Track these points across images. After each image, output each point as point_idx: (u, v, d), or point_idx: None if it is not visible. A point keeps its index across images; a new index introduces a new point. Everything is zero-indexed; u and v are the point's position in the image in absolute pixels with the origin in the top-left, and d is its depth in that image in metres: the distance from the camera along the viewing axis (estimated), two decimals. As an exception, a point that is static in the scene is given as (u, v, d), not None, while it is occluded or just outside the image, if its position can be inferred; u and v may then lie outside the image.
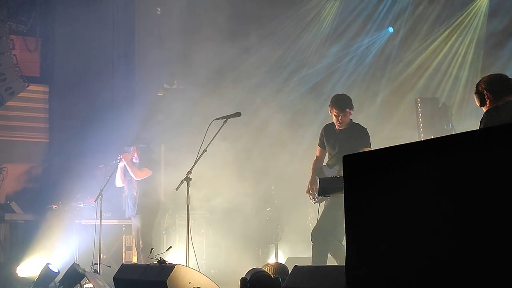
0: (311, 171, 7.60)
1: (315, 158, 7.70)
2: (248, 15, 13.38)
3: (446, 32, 14.75)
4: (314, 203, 7.47)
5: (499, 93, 5.39)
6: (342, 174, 6.86)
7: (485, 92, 5.45)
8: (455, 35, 14.77)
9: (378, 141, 12.52)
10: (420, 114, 12.03)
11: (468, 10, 14.60)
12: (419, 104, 12.11)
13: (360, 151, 7.02)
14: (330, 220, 7.14)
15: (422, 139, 11.33)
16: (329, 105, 7.40)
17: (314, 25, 14.84)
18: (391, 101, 14.69)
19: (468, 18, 14.64)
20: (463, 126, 11.62)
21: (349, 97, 7.43)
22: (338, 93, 7.56)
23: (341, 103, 7.32)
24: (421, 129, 11.93)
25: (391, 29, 14.94)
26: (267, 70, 13.87)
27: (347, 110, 7.29)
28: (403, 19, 14.72)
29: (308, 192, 7.47)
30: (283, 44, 14.43)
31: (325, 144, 7.58)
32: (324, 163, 7.66)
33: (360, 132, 7.33)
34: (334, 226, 7.10)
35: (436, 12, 14.49)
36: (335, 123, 7.41)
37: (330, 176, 7.09)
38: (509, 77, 5.54)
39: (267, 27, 14.01)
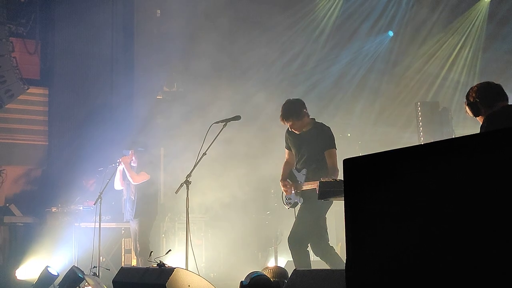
0: (281, 174, 7.52)
1: (285, 161, 7.60)
2: (248, 18, 13.39)
3: (446, 36, 14.80)
4: (288, 208, 7.43)
5: (491, 99, 5.39)
6: (309, 177, 6.94)
7: (477, 101, 5.43)
8: (455, 39, 14.81)
9: (378, 145, 12.60)
10: (420, 118, 12.05)
11: (468, 15, 14.64)
12: (419, 108, 12.14)
13: (326, 153, 7.06)
14: (304, 225, 7.10)
15: (422, 143, 11.34)
16: None
17: (313, 29, 14.86)
18: (391, 105, 14.72)
19: (468, 23, 14.68)
20: (463, 130, 11.64)
21: (295, 102, 7.27)
22: (288, 99, 7.38)
23: (284, 113, 7.21)
24: (421, 133, 11.95)
25: (391, 33, 14.97)
26: (267, 73, 13.89)
27: (293, 118, 7.17)
28: (403, 23, 14.75)
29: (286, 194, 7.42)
30: (284, 48, 14.46)
31: (291, 147, 7.50)
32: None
33: (323, 133, 7.19)
34: (311, 230, 7.08)
35: (436, 16, 14.52)
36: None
37: (301, 181, 7.14)
38: (497, 83, 5.54)
39: (268, 30, 14.03)
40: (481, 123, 5.45)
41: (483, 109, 5.42)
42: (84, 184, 11.88)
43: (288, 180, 7.36)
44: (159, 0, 13.96)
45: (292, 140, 7.45)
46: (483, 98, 5.42)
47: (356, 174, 2.44)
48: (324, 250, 7.09)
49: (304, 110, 7.24)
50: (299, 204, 7.24)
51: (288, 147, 7.58)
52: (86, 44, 13.18)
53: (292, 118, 7.17)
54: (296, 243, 7.09)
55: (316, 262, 7.55)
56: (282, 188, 7.41)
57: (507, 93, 5.51)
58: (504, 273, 1.81)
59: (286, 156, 7.63)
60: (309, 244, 7.15)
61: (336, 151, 7.13)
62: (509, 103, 5.44)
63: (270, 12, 13.82)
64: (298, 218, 7.24)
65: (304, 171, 7.20)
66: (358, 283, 2.33)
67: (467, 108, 5.58)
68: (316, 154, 7.11)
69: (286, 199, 7.38)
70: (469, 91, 5.60)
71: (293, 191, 7.24)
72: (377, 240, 2.27)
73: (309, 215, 7.08)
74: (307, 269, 6.57)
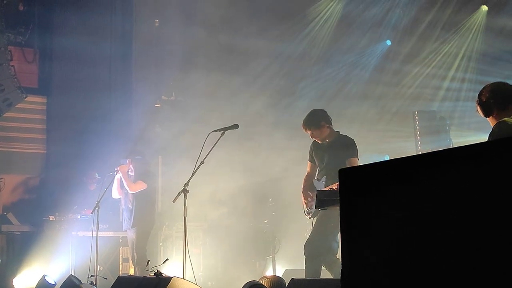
0: (302, 186, 7.64)
1: (306, 173, 7.74)
2: (246, 27, 13.41)
3: (444, 46, 14.83)
4: (309, 218, 7.48)
5: (505, 100, 5.26)
6: (329, 185, 6.98)
7: (491, 101, 5.29)
8: (453, 48, 14.85)
9: (375, 154, 12.60)
10: (417, 127, 12.07)
11: (467, 24, 14.68)
12: (416, 117, 12.16)
13: (347, 162, 7.11)
14: (322, 233, 7.14)
15: (420, 152, 11.36)
16: None
17: (312, 37, 14.89)
18: (388, 114, 14.73)
19: (466, 32, 14.72)
20: (460, 140, 11.66)
21: (316, 113, 7.56)
22: (314, 109, 7.68)
23: (306, 122, 7.48)
24: (419, 142, 11.97)
25: (389, 42, 15.00)
26: (266, 83, 13.90)
27: (312, 128, 7.43)
28: (401, 32, 14.78)
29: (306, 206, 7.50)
30: (282, 56, 14.48)
31: (314, 158, 7.64)
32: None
33: (347, 144, 7.36)
34: (326, 239, 7.11)
35: (434, 25, 14.57)
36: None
37: (319, 189, 7.16)
38: (511, 84, 5.41)
39: (265, 40, 14.04)
40: (491, 124, 5.29)
41: (495, 109, 5.27)
42: (85, 181, 11.86)
43: (309, 192, 7.44)
44: (158, 10, 13.98)
45: (316, 150, 7.62)
46: (496, 98, 5.28)
47: (351, 184, 2.45)
48: (331, 261, 7.11)
49: (325, 120, 7.47)
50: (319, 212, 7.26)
51: (311, 159, 7.74)
52: (85, 53, 13.19)
53: (312, 127, 7.44)
54: (312, 249, 7.13)
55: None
56: (303, 200, 7.48)
57: None
58: (508, 280, 1.82)
59: (308, 169, 7.78)
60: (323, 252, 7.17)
61: (357, 160, 7.21)
62: None
63: (268, 21, 13.84)
64: (316, 225, 7.30)
65: (324, 178, 7.31)
66: (353, 293, 2.33)
67: (478, 107, 5.42)
68: (338, 163, 7.15)
69: (307, 209, 7.44)
70: (482, 90, 5.44)
71: (313, 202, 7.27)
72: (372, 250, 2.28)
73: (328, 223, 7.08)
74: (304, 278, 6.57)
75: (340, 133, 7.56)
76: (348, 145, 7.33)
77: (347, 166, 7.06)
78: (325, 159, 7.46)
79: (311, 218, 7.45)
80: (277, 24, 14.22)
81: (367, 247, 2.30)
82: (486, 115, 5.37)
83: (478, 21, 14.59)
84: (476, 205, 1.93)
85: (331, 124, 7.52)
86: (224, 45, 13.43)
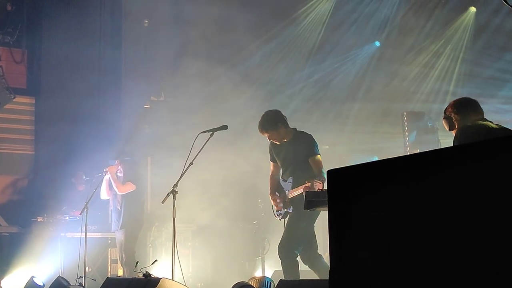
0: (269, 188, 7.62)
1: (270, 174, 7.70)
2: (237, 27, 13.40)
3: (433, 47, 14.90)
4: (280, 219, 7.48)
5: (466, 115, 5.56)
6: (295, 185, 7.00)
7: (452, 115, 5.61)
8: (442, 50, 14.92)
9: (364, 154, 12.63)
10: (406, 128, 12.11)
11: (455, 25, 14.75)
12: (405, 118, 12.20)
13: (310, 160, 7.10)
14: (295, 234, 7.14)
15: (408, 153, 11.40)
16: None
17: (302, 39, 14.91)
18: (377, 115, 14.78)
19: (455, 33, 14.79)
20: (448, 140, 11.70)
21: (270, 114, 7.42)
22: (267, 111, 7.53)
23: (263, 125, 7.37)
24: (407, 143, 12.00)
25: (377, 43, 15.05)
26: (256, 83, 13.90)
27: (270, 130, 7.32)
28: (390, 33, 14.83)
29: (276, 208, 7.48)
30: (272, 57, 14.49)
31: (275, 158, 7.58)
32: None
33: (306, 141, 7.28)
34: (301, 238, 7.12)
35: (423, 26, 14.63)
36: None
37: (287, 190, 7.20)
38: (474, 99, 5.71)
39: (256, 40, 14.05)
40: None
41: (457, 123, 5.59)
42: (73, 182, 11.81)
43: (276, 193, 7.42)
44: (147, 10, 13.94)
45: (276, 152, 7.54)
46: (458, 112, 5.60)
47: (340, 185, 2.45)
48: (313, 259, 7.12)
49: (280, 121, 7.34)
50: (290, 212, 7.27)
51: (272, 159, 7.67)
52: (73, 54, 13.12)
53: (268, 130, 7.32)
54: (286, 251, 7.11)
55: (304, 271, 7.55)
56: (272, 202, 7.46)
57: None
58: (492, 280, 1.82)
59: (272, 168, 7.72)
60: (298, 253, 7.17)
61: (320, 156, 7.17)
62: (483, 119, 5.58)
63: (258, 21, 13.85)
64: (288, 226, 7.27)
65: (290, 179, 7.26)
66: (341, 293, 2.33)
67: (443, 121, 5.80)
68: (300, 162, 7.16)
69: (277, 211, 7.43)
70: (447, 106, 5.81)
71: (282, 203, 7.29)
72: (361, 250, 2.28)
73: (299, 223, 7.10)
74: (295, 278, 6.58)
75: (297, 129, 7.48)
76: (308, 143, 7.25)
77: (311, 165, 7.11)
78: (287, 159, 7.40)
79: (281, 220, 7.46)
80: (268, 23, 14.23)
81: (356, 248, 2.31)
82: (450, 128, 5.75)
83: (466, 22, 14.66)
84: (465, 205, 1.93)
85: (287, 123, 7.41)
86: (214, 45, 13.41)
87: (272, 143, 7.55)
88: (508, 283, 1.77)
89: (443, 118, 5.77)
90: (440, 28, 14.79)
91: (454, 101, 5.79)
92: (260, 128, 7.37)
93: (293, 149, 7.30)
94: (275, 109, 7.54)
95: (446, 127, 5.75)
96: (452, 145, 5.37)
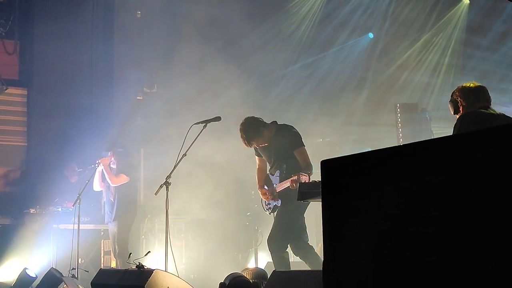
0: (257, 183, 7.61)
1: (257, 167, 7.70)
2: (229, 19, 13.37)
3: (427, 38, 14.90)
4: (269, 213, 7.49)
5: (472, 100, 5.51)
6: (282, 178, 7.00)
7: (459, 99, 5.56)
8: (435, 41, 14.93)
9: (358, 145, 12.65)
10: (399, 119, 12.13)
11: (449, 16, 14.75)
12: (398, 109, 12.22)
13: (295, 153, 7.08)
14: (284, 226, 7.15)
15: (402, 144, 11.41)
16: None
17: (295, 30, 14.88)
18: (370, 106, 14.79)
19: (448, 24, 14.79)
20: (442, 130, 11.73)
21: (250, 123, 7.26)
22: (245, 118, 7.34)
23: (248, 136, 7.23)
24: (400, 134, 12.02)
25: (371, 35, 15.03)
26: (249, 75, 13.87)
27: (256, 138, 7.22)
28: (384, 24, 14.81)
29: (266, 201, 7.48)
30: (266, 48, 14.45)
31: (261, 154, 7.55)
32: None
33: (289, 134, 7.23)
34: (290, 230, 7.13)
35: (416, 17, 14.62)
36: None
37: (275, 184, 7.21)
38: (483, 86, 5.67)
39: (249, 31, 14.02)
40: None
41: (462, 107, 5.54)
42: (65, 174, 11.79)
43: (265, 187, 7.42)
44: (139, 1, 13.89)
45: (261, 149, 7.50)
46: (465, 97, 5.55)
47: (333, 175, 2.45)
48: (304, 250, 7.13)
49: (261, 125, 7.26)
50: (278, 206, 7.28)
51: (258, 154, 7.64)
52: (66, 45, 13.07)
53: (254, 139, 7.24)
54: (276, 244, 7.12)
55: (296, 263, 7.57)
56: (262, 197, 7.47)
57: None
58: (482, 272, 1.82)
59: (258, 162, 7.71)
60: (288, 245, 7.19)
61: (305, 148, 7.16)
62: (487, 107, 5.54)
63: (250, 14, 13.81)
64: (277, 219, 7.29)
65: (277, 173, 7.27)
66: (335, 284, 2.33)
67: (449, 105, 5.78)
68: (286, 155, 7.16)
69: (266, 205, 7.44)
70: (455, 89, 5.77)
71: (271, 196, 7.30)
72: (354, 241, 2.28)
73: (287, 215, 7.12)
74: (286, 270, 6.59)
75: (278, 123, 7.43)
76: (291, 135, 7.22)
77: (297, 157, 7.09)
78: (272, 155, 7.38)
79: (271, 214, 7.46)
80: (262, 16, 14.21)
81: (349, 239, 2.31)
82: (454, 112, 5.75)
83: (459, 14, 14.66)
84: (457, 197, 1.93)
85: (265, 123, 7.33)
86: (207, 36, 13.37)
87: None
88: (501, 276, 1.77)
89: (450, 101, 5.76)
90: (434, 20, 14.78)
91: (462, 85, 5.75)
92: (246, 141, 7.24)
93: (277, 143, 7.27)
94: (248, 116, 7.38)
95: (451, 110, 5.75)
96: (447, 134, 5.37)
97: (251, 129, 7.22)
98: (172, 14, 13.46)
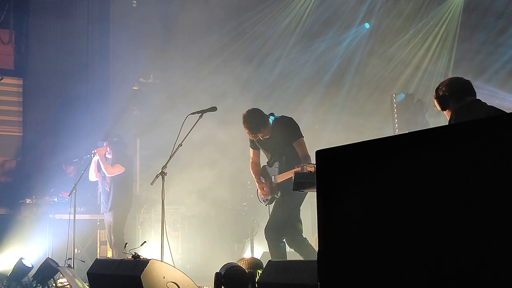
0: (253, 175, 7.61)
1: (251, 161, 7.66)
2: (226, 8, 13.34)
3: (422, 27, 14.89)
4: (266, 205, 7.50)
5: (460, 94, 5.47)
6: (282, 169, 7.00)
7: (447, 95, 5.50)
8: (430, 30, 14.92)
9: (353, 136, 12.66)
10: (395, 109, 12.14)
11: (445, 5, 14.73)
12: (394, 100, 12.22)
13: (294, 144, 7.07)
14: (281, 217, 7.17)
15: (397, 134, 11.42)
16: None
17: (290, 21, 14.84)
18: (366, 97, 14.80)
19: (444, 13, 14.78)
20: (437, 120, 11.74)
21: (257, 114, 7.23)
22: (248, 110, 7.28)
23: (257, 126, 7.19)
24: (396, 124, 12.03)
25: (367, 25, 15.01)
26: (245, 65, 13.85)
27: (262, 129, 7.18)
28: (379, 14, 14.79)
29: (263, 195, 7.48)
30: (260, 40, 14.42)
31: (259, 146, 7.51)
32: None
33: (286, 125, 7.22)
34: (287, 221, 7.15)
35: (412, 6, 14.60)
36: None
37: (273, 175, 7.24)
38: (467, 79, 5.63)
39: (245, 21, 13.99)
40: (448, 117, 5.52)
41: (451, 103, 5.49)
42: (64, 169, 11.77)
43: (262, 179, 7.43)
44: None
45: (259, 141, 7.47)
46: (452, 91, 5.49)
47: (328, 166, 2.44)
48: (298, 242, 7.16)
49: (266, 116, 7.25)
50: (277, 197, 7.29)
51: (253, 146, 7.60)
52: (61, 34, 13.03)
53: (261, 129, 7.19)
54: (273, 234, 7.14)
55: (292, 253, 7.59)
56: (259, 189, 7.46)
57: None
58: (479, 264, 1.83)
59: (252, 155, 7.67)
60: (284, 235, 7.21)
61: (304, 139, 7.15)
62: (477, 98, 5.52)
63: (248, 4, 13.79)
64: (275, 209, 7.30)
65: (276, 164, 7.26)
66: (329, 274, 2.33)
67: (435, 101, 5.66)
68: (284, 146, 7.14)
69: (263, 197, 7.45)
70: (439, 85, 5.67)
71: (269, 189, 7.31)
72: (349, 231, 2.28)
73: (285, 206, 7.14)
74: (282, 260, 6.60)
75: (275, 114, 7.40)
76: (289, 126, 7.20)
77: (296, 148, 7.08)
78: (269, 146, 7.37)
79: (267, 206, 7.47)
80: (257, 5, 14.17)
81: (343, 228, 2.31)
82: (443, 108, 5.61)
83: (455, 4, 14.65)
84: (454, 185, 1.93)
85: (266, 114, 7.31)
86: (203, 26, 13.34)
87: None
88: (498, 266, 1.77)
89: (435, 98, 5.64)
90: (431, 10, 14.76)
91: (447, 80, 5.67)
92: (252, 132, 7.20)
93: (276, 134, 7.24)
94: (252, 108, 7.32)
95: (438, 107, 5.62)
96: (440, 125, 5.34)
97: (260, 120, 7.19)
98: (168, 4, 13.41)
